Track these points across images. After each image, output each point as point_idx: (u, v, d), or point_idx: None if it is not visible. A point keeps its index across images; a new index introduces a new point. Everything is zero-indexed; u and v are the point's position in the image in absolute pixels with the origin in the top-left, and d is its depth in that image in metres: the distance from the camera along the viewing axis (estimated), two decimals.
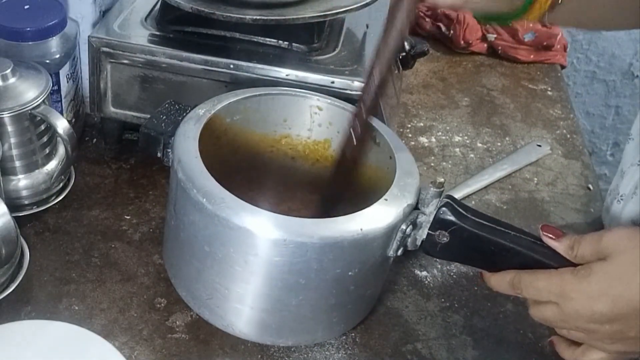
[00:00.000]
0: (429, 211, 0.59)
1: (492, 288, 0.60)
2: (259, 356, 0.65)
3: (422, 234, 0.59)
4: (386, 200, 0.58)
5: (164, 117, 0.65)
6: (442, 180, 0.58)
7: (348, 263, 0.58)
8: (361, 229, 0.56)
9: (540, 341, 0.68)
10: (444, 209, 0.58)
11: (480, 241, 0.58)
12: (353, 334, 0.67)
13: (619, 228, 0.55)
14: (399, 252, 0.60)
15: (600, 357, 0.56)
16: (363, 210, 0.57)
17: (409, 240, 0.60)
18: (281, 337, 0.64)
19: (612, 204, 0.76)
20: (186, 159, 0.59)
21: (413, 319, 0.69)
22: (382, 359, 0.66)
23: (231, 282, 0.60)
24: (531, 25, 1.07)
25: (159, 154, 0.64)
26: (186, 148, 0.60)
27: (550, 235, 0.56)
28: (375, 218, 0.57)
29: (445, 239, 0.59)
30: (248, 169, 0.71)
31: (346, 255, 0.57)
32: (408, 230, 0.59)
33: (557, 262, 0.56)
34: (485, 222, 0.58)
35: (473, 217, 0.58)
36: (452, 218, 0.58)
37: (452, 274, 0.74)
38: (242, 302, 0.61)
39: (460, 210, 0.58)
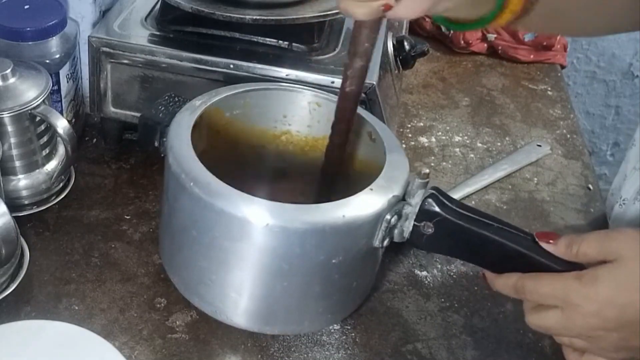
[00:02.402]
0: (415, 202, 0.59)
1: (496, 290, 0.60)
2: (259, 356, 0.65)
3: (409, 225, 0.59)
4: (372, 189, 0.59)
5: (163, 108, 0.66)
6: (427, 171, 0.58)
7: (331, 250, 0.58)
8: (343, 216, 0.56)
9: (540, 341, 0.68)
10: (429, 200, 0.59)
11: (464, 233, 0.58)
12: (353, 334, 0.67)
13: (627, 230, 0.54)
14: (385, 243, 0.60)
15: None
16: (347, 198, 0.58)
17: (396, 231, 0.60)
18: (268, 325, 0.64)
19: (614, 207, 0.76)
20: (178, 145, 0.60)
21: (413, 319, 0.69)
22: (382, 359, 0.66)
23: (218, 267, 0.61)
24: None
25: (156, 144, 0.65)
26: (179, 135, 0.61)
27: (546, 240, 0.56)
28: (358, 206, 0.57)
29: (430, 230, 0.59)
30: (248, 164, 0.71)
31: (329, 242, 0.58)
32: (393, 220, 0.59)
33: (540, 254, 0.56)
34: (469, 214, 0.59)
35: (457, 209, 0.59)
36: (436, 209, 0.58)
37: (452, 274, 0.74)
38: (229, 288, 0.62)
39: (445, 201, 0.59)
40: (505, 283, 0.58)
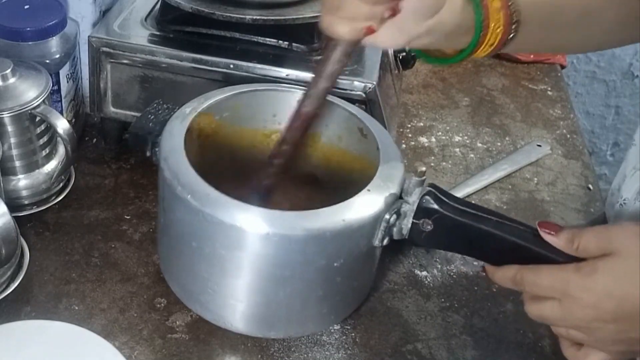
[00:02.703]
0: (413, 200, 0.59)
1: (495, 283, 0.60)
2: (259, 356, 0.65)
3: (407, 223, 0.60)
4: (369, 190, 0.59)
5: (152, 117, 0.66)
6: (423, 169, 0.59)
7: (332, 254, 0.58)
8: (343, 220, 0.56)
9: (540, 341, 0.68)
10: (426, 197, 0.59)
11: (463, 228, 0.59)
12: (353, 334, 0.67)
13: (627, 224, 0.54)
14: (385, 242, 0.61)
15: (602, 358, 0.56)
16: (345, 202, 0.58)
17: (395, 229, 0.60)
18: (272, 330, 0.65)
19: (614, 206, 0.76)
20: (172, 157, 0.60)
21: (413, 319, 0.69)
22: (382, 359, 0.66)
23: (219, 276, 0.61)
24: None
25: (148, 153, 0.65)
26: (172, 146, 0.61)
27: (548, 231, 0.56)
28: (357, 209, 0.57)
29: (429, 227, 0.59)
30: (239, 165, 0.71)
31: (330, 247, 0.58)
32: (392, 219, 0.59)
33: (539, 246, 0.56)
34: (467, 209, 0.59)
35: (455, 205, 0.59)
36: (434, 206, 0.59)
37: (452, 274, 0.74)
38: (232, 296, 0.62)
39: (443, 198, 0.59)
40: (504, 275, 0.58)
